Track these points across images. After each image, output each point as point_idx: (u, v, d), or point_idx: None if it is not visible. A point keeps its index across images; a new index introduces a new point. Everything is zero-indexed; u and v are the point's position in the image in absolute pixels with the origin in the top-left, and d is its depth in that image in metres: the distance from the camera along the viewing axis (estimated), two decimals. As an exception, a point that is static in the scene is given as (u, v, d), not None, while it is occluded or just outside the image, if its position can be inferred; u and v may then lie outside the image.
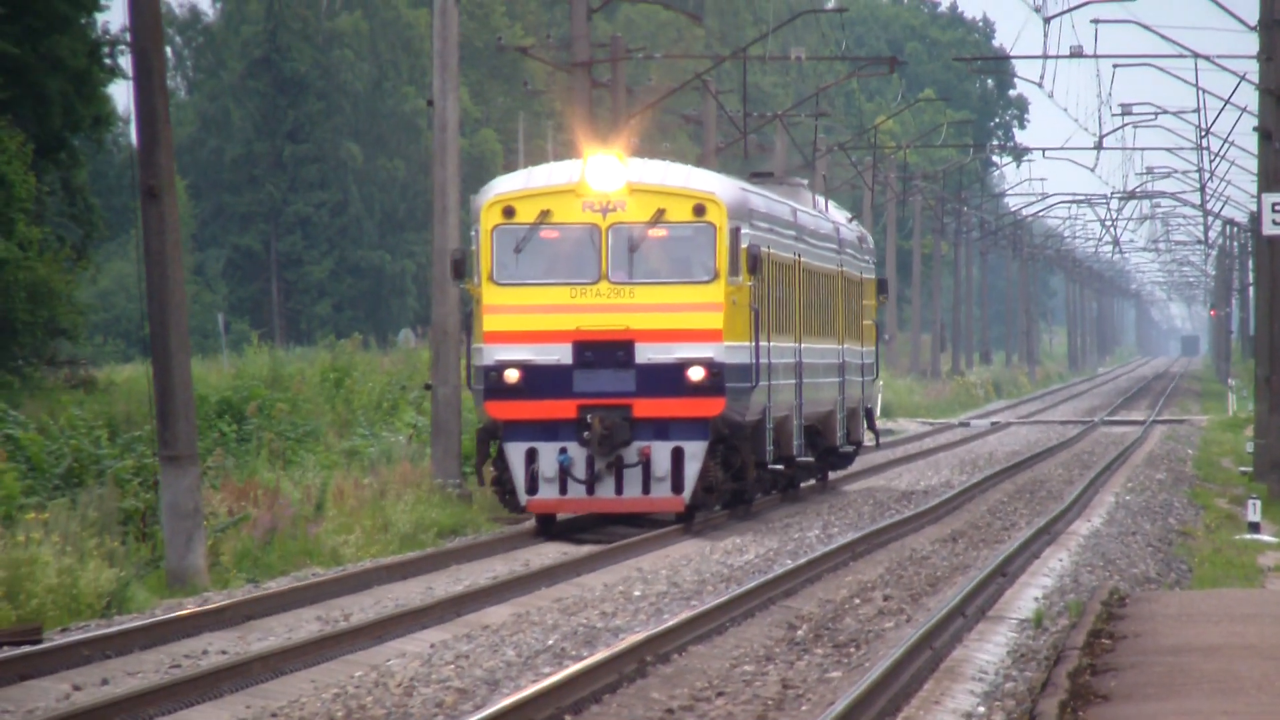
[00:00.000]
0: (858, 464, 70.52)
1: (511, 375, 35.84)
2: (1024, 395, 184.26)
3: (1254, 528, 50.31)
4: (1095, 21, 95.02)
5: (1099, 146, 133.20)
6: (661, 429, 35.79)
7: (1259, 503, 52.24)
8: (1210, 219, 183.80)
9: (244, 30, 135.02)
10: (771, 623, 31.44)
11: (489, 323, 36.25)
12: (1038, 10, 78.64)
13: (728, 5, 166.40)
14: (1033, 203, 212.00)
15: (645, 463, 35.53)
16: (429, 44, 65.60)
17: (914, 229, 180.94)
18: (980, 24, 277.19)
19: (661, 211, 35.87)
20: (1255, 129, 65.18)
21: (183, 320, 35.15)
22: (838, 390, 55.71)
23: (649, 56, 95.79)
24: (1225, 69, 79.40)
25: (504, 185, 37.75)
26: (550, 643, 27.79)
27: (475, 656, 26.10)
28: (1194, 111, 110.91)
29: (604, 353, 36.14)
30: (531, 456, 35.56)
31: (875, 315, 65.80)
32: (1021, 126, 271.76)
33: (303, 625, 29.89)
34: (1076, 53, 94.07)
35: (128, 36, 38.53)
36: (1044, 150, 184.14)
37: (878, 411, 68.05)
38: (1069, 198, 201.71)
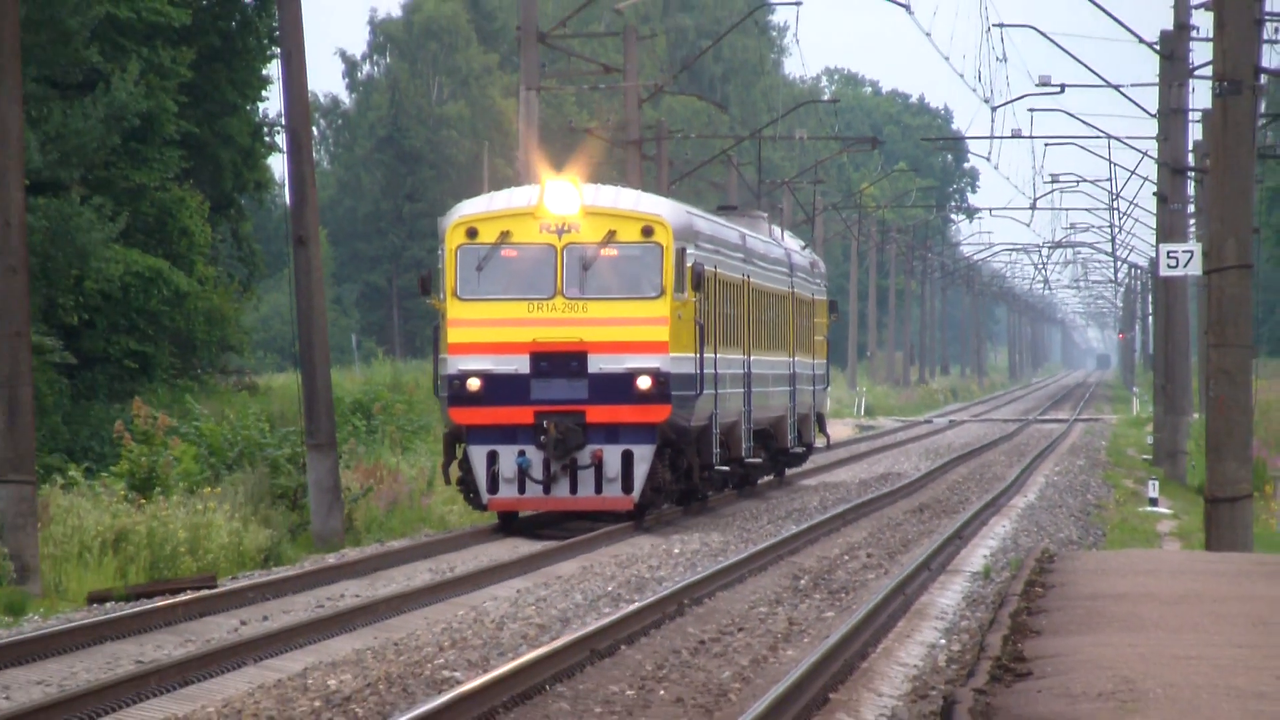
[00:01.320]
0: (840, 450, 72.30)
1: (473, 384, 32.18)
2: (974, 399, 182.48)
3: (1153, 502, 50.77)
4: (1031, 110, 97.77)
5: (1033, 207, 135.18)
6: (612, 433, 32.14)
7: (1157, 483, 53.45)
8: (1119, 263, 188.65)
9: (371, 115, 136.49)
10: (780, 575, 31.37)
11: (452, 335, 32.77)
12: (987, 101, 79.61)
13: (746, 96, 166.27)
14: (981, 251, 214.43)
15: (597, 465, 32.00)
16: (516, 126, 64.89)
17: (890, 270, 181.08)
18: (942, 112, 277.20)
19: (613, 233, 32.44)
20: (1155, 194, 66.52)
21: (324, 339, 34.72)
22: (789, 398, 51.12)
23: (685, 137, 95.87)
24: (1132, 147, 79.32)
25: (468, 208, 34.19)
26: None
27: (551, 599, 26.08)
28: (1107, 180, 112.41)
29: (559, 363, 32.38)
30: (492, 459, 32.28)
31: (826, 332, 59.98)
32: (973, 191, 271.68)
33: (418, 575, 29.96)
34: (1016, 134, 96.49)
35: (283, 120, 37.99)
36: (990, 210, 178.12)
37: (819, 422, 57.40)
38: (1010, 247, 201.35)
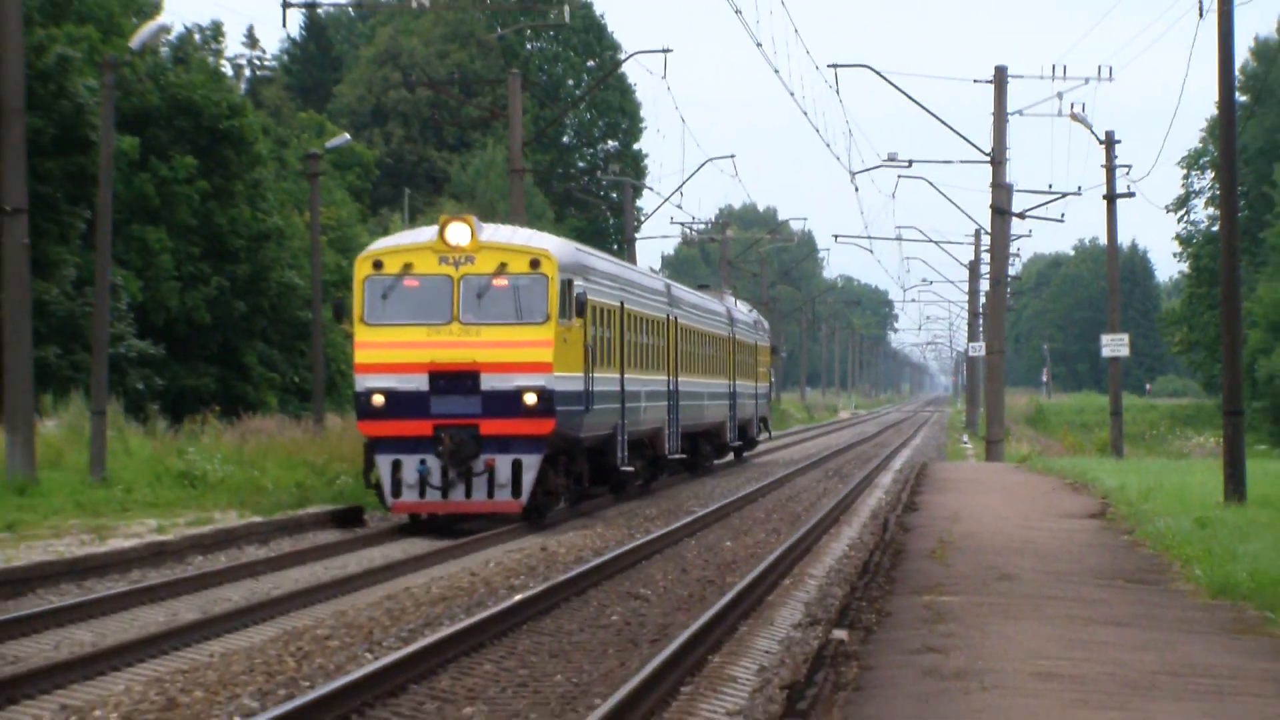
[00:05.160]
0: (783, 439, 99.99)
1: (378, 400, 34.16)
2: (879, 407, 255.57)
3: (964, 443, 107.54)
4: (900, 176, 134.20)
5: (904, 299, 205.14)
6: (503, 444, 34.00)
7: (967, 435, 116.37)
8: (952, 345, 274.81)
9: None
10: (734, 523, 39.87)
11: (359, 356, 35.11)
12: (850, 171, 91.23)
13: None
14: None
15: (490, 472, 34.05)
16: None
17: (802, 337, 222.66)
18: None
19: (504, 265, 34.47)
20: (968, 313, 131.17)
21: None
22: (728, 410, 61.58)
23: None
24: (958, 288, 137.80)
25: (376, 244, 37.74)
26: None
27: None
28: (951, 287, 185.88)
29: (455, 381, 34.14)
30: (396, 466, 34.25)
31: (769, 366, 76.22)
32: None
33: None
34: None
35: None
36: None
37: (762, 424, 74.00)
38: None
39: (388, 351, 34.92)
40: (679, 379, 51.86)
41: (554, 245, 37.84)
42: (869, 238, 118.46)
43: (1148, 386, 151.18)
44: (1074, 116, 66.55)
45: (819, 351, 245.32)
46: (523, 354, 34.58)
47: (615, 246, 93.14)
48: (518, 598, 24.15)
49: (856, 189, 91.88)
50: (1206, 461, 57.92)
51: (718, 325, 61.29)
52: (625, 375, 43.30)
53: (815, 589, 27.65)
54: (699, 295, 62.03)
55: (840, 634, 19.54)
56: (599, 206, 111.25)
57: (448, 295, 34.84)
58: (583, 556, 31.80)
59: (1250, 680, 16.51)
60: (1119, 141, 68.26)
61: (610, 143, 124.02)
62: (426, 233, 37.15)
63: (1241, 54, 75.82)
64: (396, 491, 34.87)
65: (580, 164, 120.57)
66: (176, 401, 62.95)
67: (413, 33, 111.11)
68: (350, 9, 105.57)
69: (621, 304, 43.33)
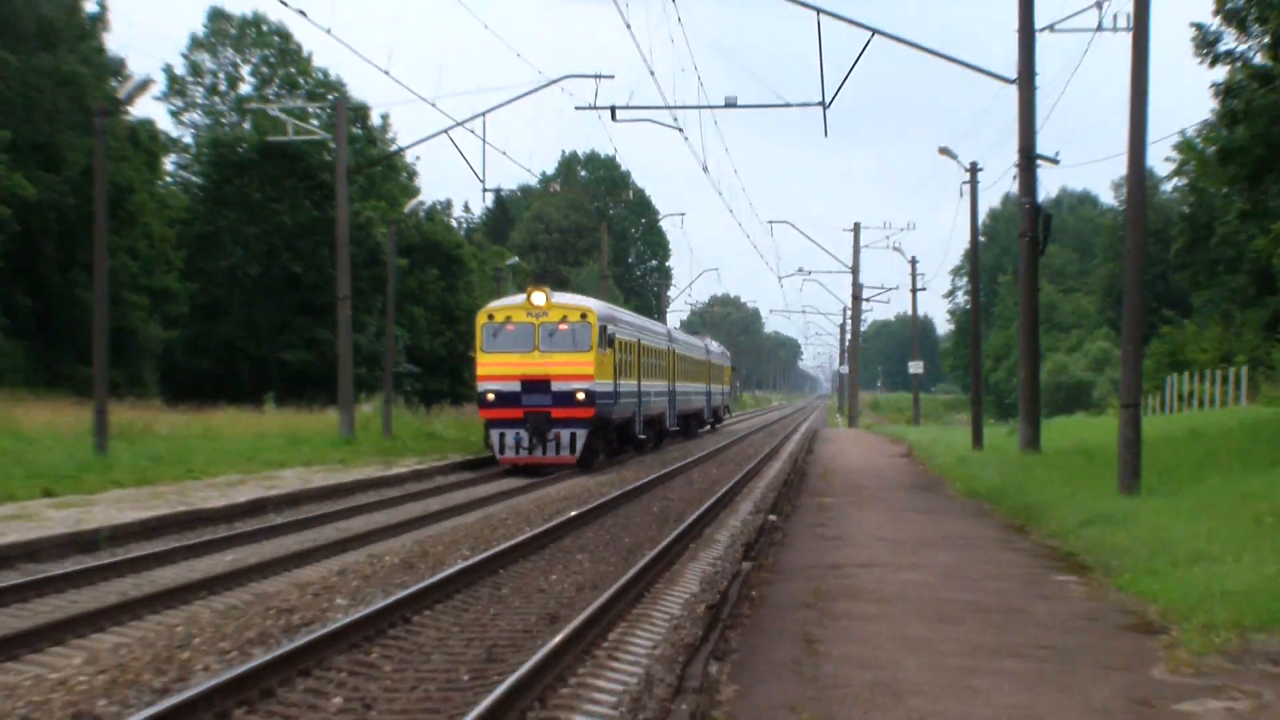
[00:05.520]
0: (740, 417, 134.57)
1: (491, 396, 46.87)
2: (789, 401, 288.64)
3: (838, 418, 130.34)
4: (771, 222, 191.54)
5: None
6: (565, 423, 46.67)
7: (841, 417, 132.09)
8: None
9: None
10: (711, 464, 54.21)
11: (480, 370, 47.50)
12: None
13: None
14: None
15: (556, 440, 46.67)
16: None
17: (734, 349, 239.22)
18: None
19: (565, 316, 47.21)
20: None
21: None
22: (705, 400, 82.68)
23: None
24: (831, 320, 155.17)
25: (490, 305, 49.50)
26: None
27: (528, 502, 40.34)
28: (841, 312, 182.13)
29: (536, 386, 46.77)
30: (502, 437, 46.72)
31: (729, 376, 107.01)
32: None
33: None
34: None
35: None
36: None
37: (725, 410, 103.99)
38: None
39: (497, 368, 46.49)
40: (675, 384, 66.88)
41: (595, 304, 49.06)
42: (788, 311, 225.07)
43: (933, 389, 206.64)
44: (894, 248, 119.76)
45: (763, 369, 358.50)
46: (576, 369, 46.35)
47: (655, 315, 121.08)
48: (603, 499, 34.31)
49: (781, 284, 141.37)
50: (963, 428, 77.43)
51: (699, 354, 79.99)
52: (641, 382, 55.14)
53: (759, 494, 38.57)
54: (689, 337, 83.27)
55: (773, 518, 30.10)
56: (647, 295, 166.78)
57: (532, 334, 46.48)
58: (630, 483, 41.55)
59: (985, 540, 26.16)
60: (918, 261, 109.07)
61: (652, 261, 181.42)
62: (520, 297, 48.03)
63: (984, 213, 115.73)
64: (501, 451, 46.55)
65: (638, 272, 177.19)
66: (428, 397, 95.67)
67: (551, 203, 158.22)
68: (518, 192, 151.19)
69: (638, 340, 54.89)
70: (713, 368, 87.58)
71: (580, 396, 45.70)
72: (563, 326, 46.15)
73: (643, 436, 56.31)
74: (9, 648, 16.95)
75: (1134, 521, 25.16)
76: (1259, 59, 40.55)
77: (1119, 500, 29.01)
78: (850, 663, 14.96)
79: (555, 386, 45.73)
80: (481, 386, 46.01)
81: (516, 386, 45.80)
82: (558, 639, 16.11)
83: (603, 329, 46.68)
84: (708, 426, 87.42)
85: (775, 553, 24.78)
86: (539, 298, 46.26)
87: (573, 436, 45.50)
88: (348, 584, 21.98)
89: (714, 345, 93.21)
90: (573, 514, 30.32)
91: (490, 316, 46.61)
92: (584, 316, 46.33)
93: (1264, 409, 52.58)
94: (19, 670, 16.13)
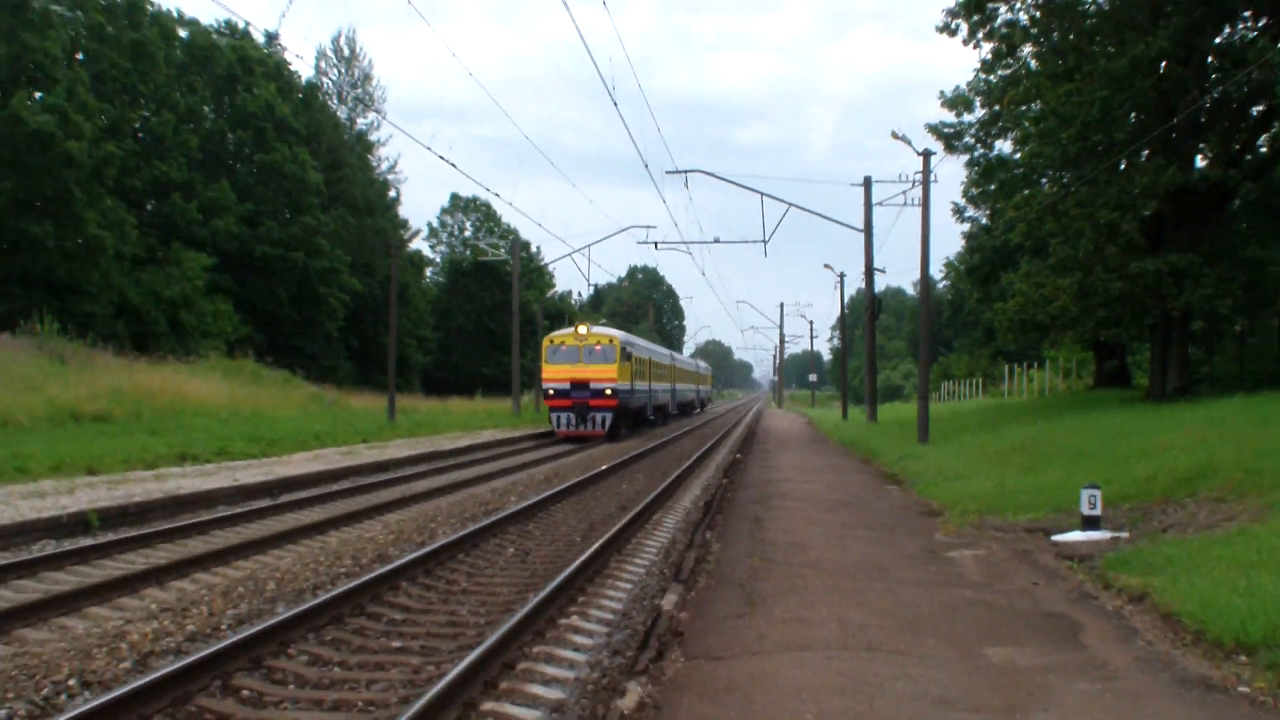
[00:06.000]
0: (718, 405, 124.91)
1: (552, 391, 45.47)
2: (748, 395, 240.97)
3: (775, 405, 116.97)
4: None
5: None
6: (598, 410, 45.06)
7: (774, 404, 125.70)
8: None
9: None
10: (705, 429, 54.24)
11: (545, 375, 46.01)
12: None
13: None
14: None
15: (594, 420, 44.96)
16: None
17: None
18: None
19: (599, 342, 46.07)
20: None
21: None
22: (696, 395, 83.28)
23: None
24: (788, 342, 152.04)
25: (552, 334, 47.92)
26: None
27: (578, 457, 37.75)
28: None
29: (581, 385, 45.19)
30: (558, 419, 45.15)
31: (710, 381, 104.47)
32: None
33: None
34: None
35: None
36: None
37: (709, 400, 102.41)
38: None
39: (554, 373, 45.35)
40: (676, 384, 65.90)
41: (618, 334, 47.28)
42: (746, 347, 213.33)
43: (821, 389, 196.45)
44: (801, 315, 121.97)
45: (733, 378, 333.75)
46: (606, 373, 45.08)
47: (677, 349, 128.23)
48: (632, 454, 33.34)
49: (742, 333, 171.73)
50: (837, 410, 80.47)
51: (692, 367, 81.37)
52: (651, 383, 53.91)
53: (727, 450, 37.62)
54: (685, 358, 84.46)
55: (738, 456, 32.10)
56: (674, 340, 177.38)
57: (578, 353, 45.49)
58: (656, 440, 42.47)
59: (848, 467, 28.88)
60: (813, 321, 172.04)
61: (675, 321, 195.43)
62: (570, 330, 46.78)
63: (849, 295, 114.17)
64: (558, 427, 44.83)
65: (668, 328, 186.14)
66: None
67: (623, 291, 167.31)
68: (606, 285, 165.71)
69: (649, 357, 53.74)
70: (701, 376, 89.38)
71: (608, 392, 45.16)
72: (597, 348, 45.86)
73: (652, 418, 55.59)
74: (360, 518, 19.54)
75: (925, 458, 28.16)
76: (985, 221, 47.66)
77: (917, 447, 32.50)
78: (779, 531, 16.30)
79: (592, 385, 45.26)
80: (545, 385, 45.90)
81: (567, 385, 45.35)
82: (626, 518, 17.47)
83: (623, 349, 46.40)
84: (699, 410, 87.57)
85: (739, 474, 26.90)
86: (583, 330, 46.50)
87: (604, 419, 45.03)
88: (516, 489, 23.77)
89: (702, 364, 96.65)
90: (631, 456, 32.75)
91: (551, 341, 46.64)
92: (611, 341, 46.02)
93: (990, 400, 60.32)
94: (364, 526, 18.65)
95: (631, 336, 52.78)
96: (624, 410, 46.50)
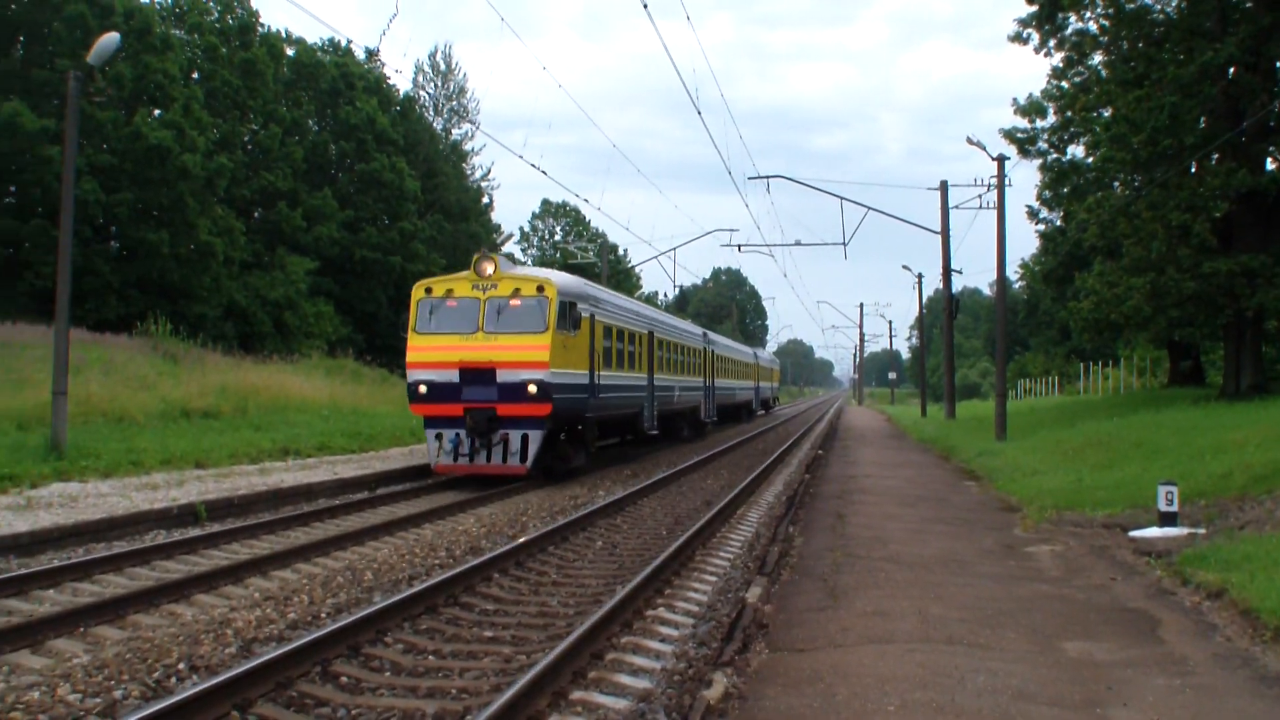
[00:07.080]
0: (788, 406, 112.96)
1: (423, 388, 25.04)
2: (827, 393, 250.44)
3: (855, 402, 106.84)
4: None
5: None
6: (514, 422, 24.72)
7: (854, 400, 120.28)
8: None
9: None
10: (788, 426, 53.29)
11: (410, 357, 25.34)
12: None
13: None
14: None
15: (504, 443, 24.76)
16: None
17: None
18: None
19: (517, 290, 25.10)
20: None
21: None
22: (753, 393, 63.61)
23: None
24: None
25: (431, 279, 26.30)
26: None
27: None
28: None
29: (478, 375, 24.82)
30: (439, 438, 25.12)
31: (778, 376, 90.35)
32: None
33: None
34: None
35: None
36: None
37: (775, 400, 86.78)
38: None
39: (431, 353, 25.39)
40: (715, 380, 47.15)
41: (555, 277, 26.19)
42: (826, 346, 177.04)
43: (900, 387, 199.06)
44: (880, 316, 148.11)
45: (814, 376, 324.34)
46: (528, 355, 24.86)
47: (759, 346, 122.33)
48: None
49: (823, 333, 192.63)
50: (916, 407, 79.89)
51: (745, 358, 60.87)
52: (655, 376, 34.36)
53: (808, 448, 36.88)
54: (732, 343, 59.27)
55: (820, 452, 32.12)
56: (756, 339, 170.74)
57: (476, 312, 25.42)
58: (741, 436, 41.45)
59: (927, 463, 28.67)
60: (892, 321, 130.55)
61: (759, 321, 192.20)
62: (463, 273, 26.26)
63: (927, 295, 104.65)
64: (438, 457, 25.17)
65: (750, 328, 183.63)
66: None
67: (708, 292, 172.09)
68: (691, 287, 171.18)
69: (651, 333, 33.84)
70: (761, 369, 69.81)
71: (533, 389, 24.73)
72: (514, 302, 25.28)
73: (654, 431, 34.69)
74: (454, 511, 19.54)
75: (1002, 454, 27.76)
76: (1059, 223, 46.66)
77: (995, 443, 32.17)
78: (860, 526, 16.10)
79: (502, 376, 24.88)
80: (412, 376, 25.34)
81: (454, 376, 25.15)
82: (710, 513, 17.40)
83: (568, 305, 25.59)
84: (761, 412, 70.80)
85: (822, 469, 26.76)
86: (486, 265, 25.62)
87: (524, 439, 24.88)
88: (608, 487, 23.98)
89: (763, 353, 77.11)
90: (727, 445, 31.79)
91: (427, 290, 25.89)
92: (540, 290, 25.17)
93: (1065, 398, 59.84)
94: (457, 519, 18.74)
95: (598, 287, 30.28)
96: (569, 424, 26.70)
